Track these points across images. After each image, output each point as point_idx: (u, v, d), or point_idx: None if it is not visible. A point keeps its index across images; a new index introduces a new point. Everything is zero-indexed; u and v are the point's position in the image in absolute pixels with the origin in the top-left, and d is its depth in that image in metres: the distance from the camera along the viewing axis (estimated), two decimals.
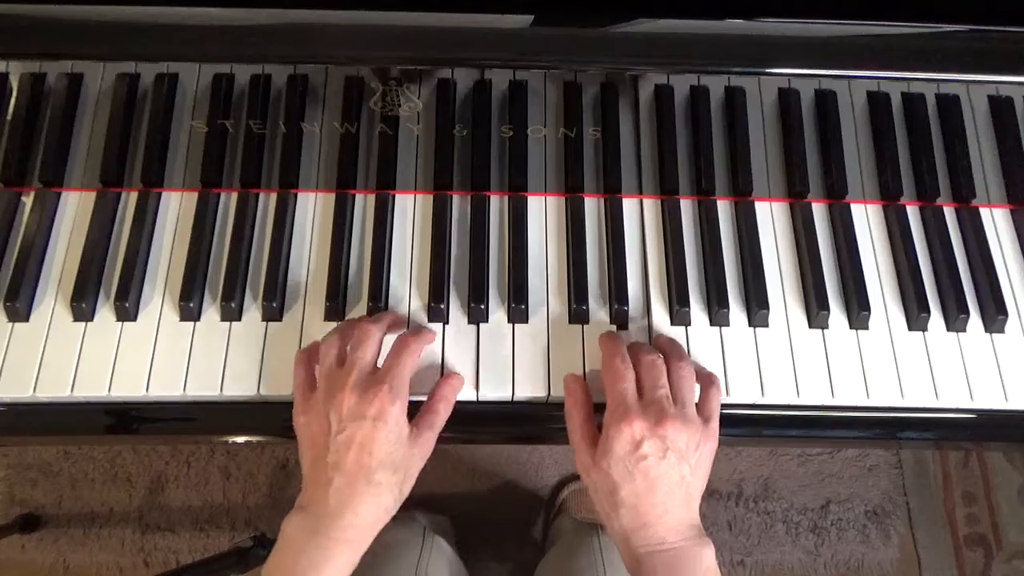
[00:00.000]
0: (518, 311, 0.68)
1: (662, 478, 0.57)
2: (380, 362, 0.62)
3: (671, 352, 0.64)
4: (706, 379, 0.65)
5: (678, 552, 0.57)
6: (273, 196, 0.73)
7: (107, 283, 0.69)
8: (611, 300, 0.70)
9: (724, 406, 0.67)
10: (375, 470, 0.57)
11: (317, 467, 0.58)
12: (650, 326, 0.69)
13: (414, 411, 0.62)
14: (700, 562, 0.57)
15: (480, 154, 0.73)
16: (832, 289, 0.71)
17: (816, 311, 0.69)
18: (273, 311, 0.68)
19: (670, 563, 0.57)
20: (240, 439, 0.70)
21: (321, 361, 0.61)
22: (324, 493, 0.57)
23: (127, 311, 0.67)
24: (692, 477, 0.59)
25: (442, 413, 0.63)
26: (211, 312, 0.69)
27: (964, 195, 0.75)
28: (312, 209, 0.73)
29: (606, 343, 0.64)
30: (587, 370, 0.67)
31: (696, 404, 0.63)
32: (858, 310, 0.69)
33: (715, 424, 0.62)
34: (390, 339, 0.65)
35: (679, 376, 0.62)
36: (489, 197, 0.73)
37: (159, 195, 0.73)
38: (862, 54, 0.68)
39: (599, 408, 0.63)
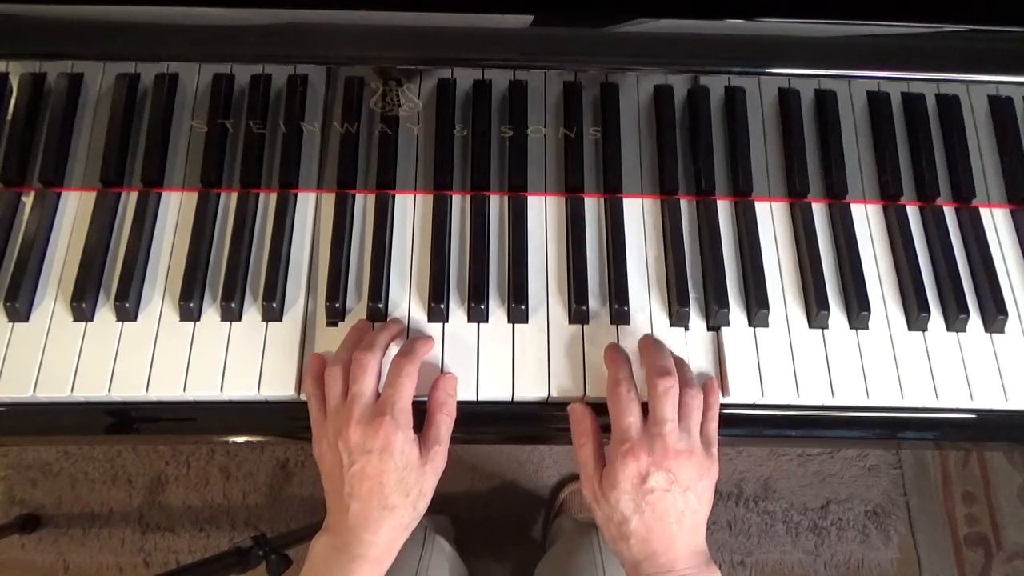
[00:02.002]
0: (518, 311, 0.68)
1: (670, 509, 0.58)
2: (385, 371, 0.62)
3: (681, 377, 0.63)
4: (705, 404, 0.64)
5: None
6: (273, 196, 0.73)
7: (107, 283, 0.69)
8: (611, 300, 0.70)
9: (724, 406, 0.67)
10: (388, 495, 0.59)
11: (336, 495, 0.60)
12: (650, 326, 0.69)
13: (417, 410, 0.62)
14: None
15: (480, 154, 0.73)
16: (832, 289, 0.71)
17: (816, 311, 0.69)
18: (273, 311, 0.68)
19: None
20: (240, 439, 0.70)
21: (327, 395, 0.62)
22: (344, 518, 0.59)
23: (127, 311, 0.67)
24: (698, 506, 0.60)
25: (444, 423, 0.63)
26: (211, 312, 0.69)
27: (964, 195, 0.75)
28: (312, 209, 0.73)
29: (611, 364, 0.64)
30: (587, 370, 0.67)
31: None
32: (858, 310, 0.69)
33: (715, 451, 0.62)
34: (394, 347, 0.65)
35: (688, 406, 0.61)
36: (489, 197, 0.73)
37: (159, 195, 0.73)
38: (862, 54, 0.68)
39: (601, 408, 0.63)
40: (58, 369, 0.66)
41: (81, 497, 1.44)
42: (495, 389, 0.66)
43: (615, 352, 0.66)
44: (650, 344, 0.66)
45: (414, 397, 0.62)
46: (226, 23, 0.66)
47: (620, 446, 0.59)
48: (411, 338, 0.67)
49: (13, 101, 0.72)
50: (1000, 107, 0.75)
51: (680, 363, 0.66)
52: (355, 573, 0.59)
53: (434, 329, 0.68)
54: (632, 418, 0.60)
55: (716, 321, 0.69)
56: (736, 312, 0.70)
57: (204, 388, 0.66)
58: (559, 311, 0.70)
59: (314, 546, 0.61)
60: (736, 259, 0.72)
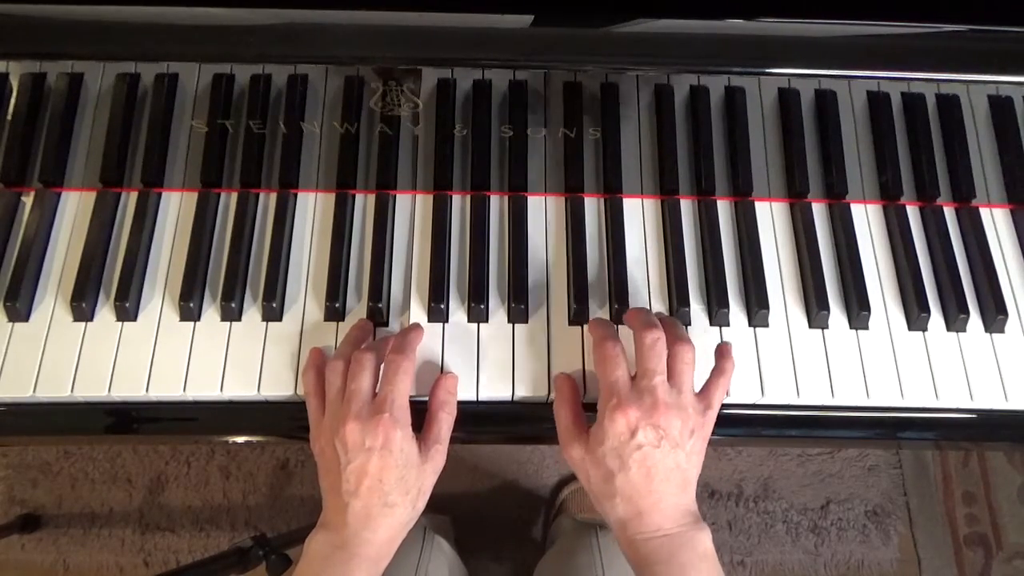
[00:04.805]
0: (518, 311, 0.68)
1: (657, 466, 0.57)
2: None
3: (672, 332, 0.62)
4: (717, 368, 0.64)
5: (674, 538, 0.57)
6: (273, 196, 0.73)
7: (107, 283, 0.69)
8: (611, 300, 0.70)
9: (724, 406, 0.66)
10: (388, 493, 0.58)
11: (334, 492, 0.60)
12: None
13: (416, 409, 0.62)
14: (697, 547, 0.58)
15: (480, 154, 0.73)
16: (832, 289, 0.71)
17: (816, 311, 0.69)
18: (273, 311, 0.68)
19: (667, 549, 0.57)
20: (240, 439, 0.70)
21: (327, 389, 0.62)
22: (343, 516, 0.59)
23: (127, 311, 0.67)
24: (687, 464, 0.59)
25: (445, 421, 0.63)
26: (211, 312, 0.69)
27: (964, 195, 0.75)
28: (312, 209, 0.73)
29: (595, 328, 0.64)
30: (587, 370, 0.67)
31: (700, 389, 0.62)
32: (858, 310, 0.69)
33: (714, 413, 0.61)
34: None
35: (678, 360, 0.60)
36: (489, 197, 0.73)
37: (159, 195, 0.73)
38: (862, 54, 0.68)
39: (589, 407, 0.63)
40: (58, 369, 0.66)
41: (81, 497, 1.44)
42: (495, 389, 0.66)
43: (599, 319, 0.66)
44: (633, 308, 0.66)
45: (414, 397, 0.62)
46: (226, 23, 0.66)
47: (608, 401, 0.58)
48: (402, 331, 0.66)
49: (13, 101, 0.72)
50: (1000, 107, 0.75)
51: (672, 321, 0.65)
52: (353, 572, 0.58)
53: (434, 329, 0.68)
54: (620, 372, 0.59)
55: (716, 321, 0.69)
56: (736, 312, 0.70)
57: (204, 388, 0.66)
58: (559, 311, 0.70)
59: (310, 543, 0.60)
60: (736, 259, 0.72)
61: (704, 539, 0.58)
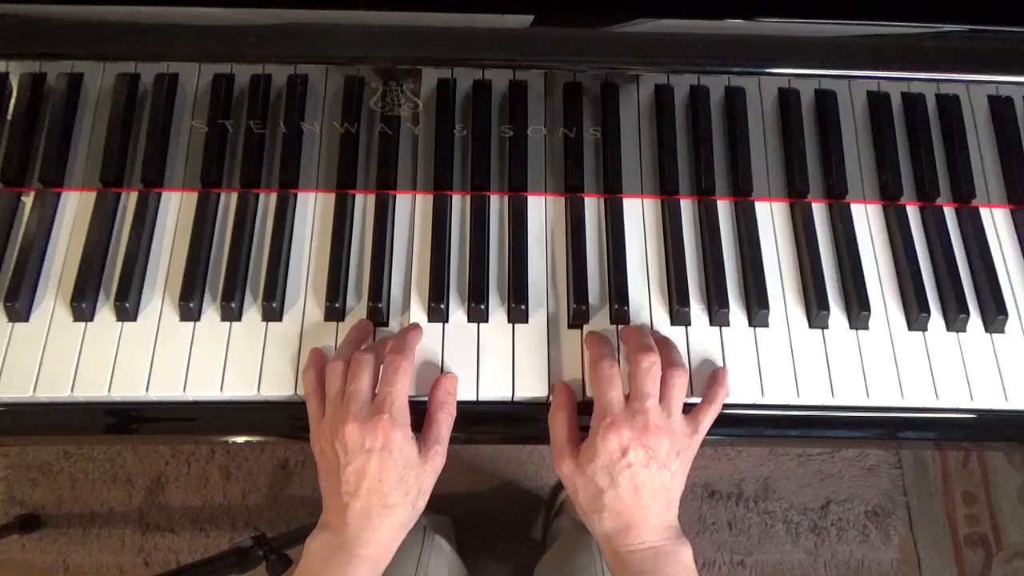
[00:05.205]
0: (518, 311, 0.68)
1: (645, 485, 0.59)
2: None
3: (667, 356, 0.64)
4: (710, 394, 0.65)
5: (657, 550, 0.59)
6: (273, 196, 0.73)
7: (107, 283, 0.69)
8: (611, 300, 0.70)
9: (724, 406, 0.67)
10: (388, 494, 0.59)
11: (334, 493, 0.60)
12: (651, 326, 0.69)
13: (415, 409, 0.62)
14: (678, 560, 0.59)
15: (480, 154, 0.73)
16: (832, 289, 0.71)
17: (816, 311, 0.69)
18: (273, 311, 0.68)
19: (652, 560, 0.59)
20: (240, 439, 0.70)
21: (327, 390, 0.62)
22: (343, 516, 0.59)
23: (127, 311, 0.67)
24: (672, 484, 0.60)
25: (445, 422, 0.63)
26: (211, 312, 0.69)
27: (964, 195, 0.75)
28: (312, 209, 0.73)
29: (593, 344, 0.65)
30: (586, 370, 0.67)
31: (691, 411, 0.63)
32: (858, 310, 0.69)
33: (699, 437, 0.63)
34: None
35: (671, 384, 0.62)
36: (489, 197, 0.73)
37: (159, 195, 0.73)
38: (862, 54, 0.68)
39: (587, 407, 0.63)
40: (58, 369, 0.66)
41: (81, 497, 1.44)
42: (495, 389, 0.66)
43: (596, 334, 0.67)
44: (632, 327, 0.67)
45: (414, 397, 0.62)
46: (226, 23, 0.66)
47: (602, 420, 0.60)
48: (401, 331, 0.66)
49: (13, 101, 0.72)
50: (1000, 107, 0.75)
51: (667, 343, 0.66)
52: (353, 572, 0.59)
53: (434, 329, 0.68)
54: (614, 392, 0.61)
55: (716, 321, 0.69)
56: (736, 312, 0.70)
57: (204, 388, 0.66)
58: (559, 311, 0.70)
59: (310, 544, 0.60)
60: (736, 259, 0.72)
61: (687, 553, 0.60)
